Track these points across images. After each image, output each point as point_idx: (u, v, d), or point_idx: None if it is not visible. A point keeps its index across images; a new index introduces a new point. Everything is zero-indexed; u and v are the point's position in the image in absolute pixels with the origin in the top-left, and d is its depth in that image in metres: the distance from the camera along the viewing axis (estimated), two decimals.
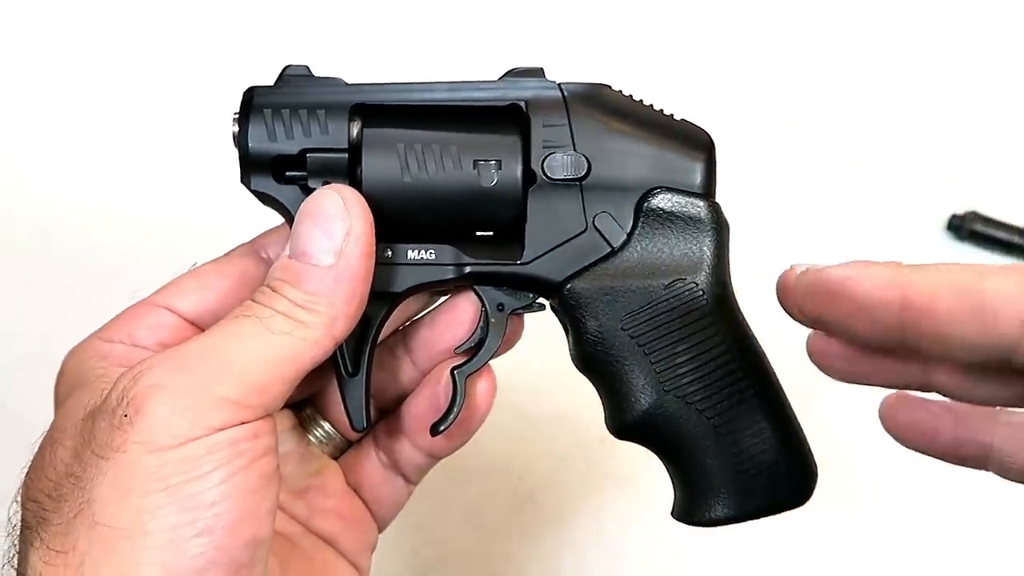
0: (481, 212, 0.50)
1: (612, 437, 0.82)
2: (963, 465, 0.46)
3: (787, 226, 0.85)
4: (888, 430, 0.47)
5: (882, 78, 0.89)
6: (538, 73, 0.51)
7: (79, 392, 0.46)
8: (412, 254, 0.51)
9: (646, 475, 0.81)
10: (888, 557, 0.79)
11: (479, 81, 0.51)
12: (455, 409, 0.52)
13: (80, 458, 0.43)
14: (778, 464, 0.50)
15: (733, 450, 0.49)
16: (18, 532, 0.45)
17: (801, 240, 0.85)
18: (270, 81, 0.52)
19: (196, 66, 0.89)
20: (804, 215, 0.86)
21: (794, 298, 0.45)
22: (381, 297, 0.50)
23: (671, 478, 0.53)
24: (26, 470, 0.46)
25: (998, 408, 0.45)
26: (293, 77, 0.51)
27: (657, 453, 0.52)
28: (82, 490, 0.42)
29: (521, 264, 0.50)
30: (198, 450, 0.42)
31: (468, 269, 0.51)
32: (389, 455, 0.57)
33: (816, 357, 0.47)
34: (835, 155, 0.87)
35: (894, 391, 0.47)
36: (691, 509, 0.51)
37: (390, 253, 0.50)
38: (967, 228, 0.84)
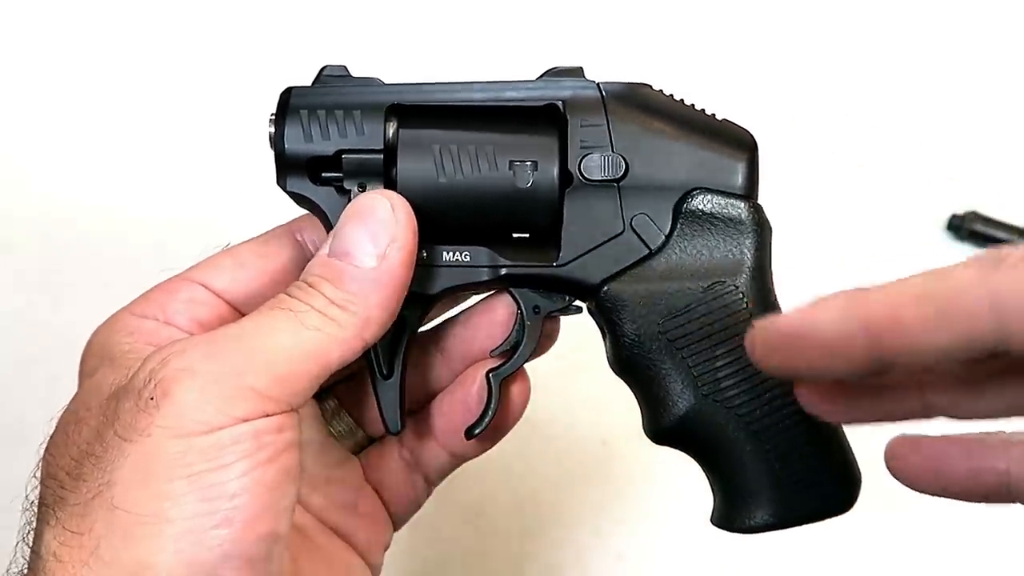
0: (517, 214, 0.49)
1: (614, 438, 0.82)
2: (987, 501, 0.44)
3: (787, 226, 0.84)
4: (898, 477, 0.45)
5: (882, 78, 0.89)
6: (577, 72, 0.50)
7: (105, 368, 0.46)
8: (447, 256, 0.50)
9: (648, 476, 0.81)
10: (903, 563, 0.79)
11: (517, 81, 0.50)
12: (490, 413, 0.52)
13: (102, 438, 0.42)
14: (820, 471, 0.49)
15: (773, 456, 0.48)
16: (35, 509, 0.45)
17: (801, 240, 0.85)
18: (287, 81, 0.51)
19: (201, 66, 0.88)
20: (804, 215, 0.86)
21: (760, 358, 0.42)
22: (416, 298, 0.49)
23: (710, 484, 0.52)
24: (45, 445, 0.45)
25: (1010, 432, 0.44)
26: (331, 77, 0.50)
27: (696, 458, 0.51)
28: (103, 471, 0.41)
29: (557, 266, 0.50)
30: (223, 439, 0.41)
31: (504, 271, 0.50)
32: (413, 454, 0.57)
33: (807, 404, 0.44)
34: (835, 155, 0.87)
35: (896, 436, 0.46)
36: (730, 515, 0.50)
37: (425, 254, 0.50)
38: (967, 228, 0.85)
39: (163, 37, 0.89)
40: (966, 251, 0.85)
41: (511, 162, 0.48)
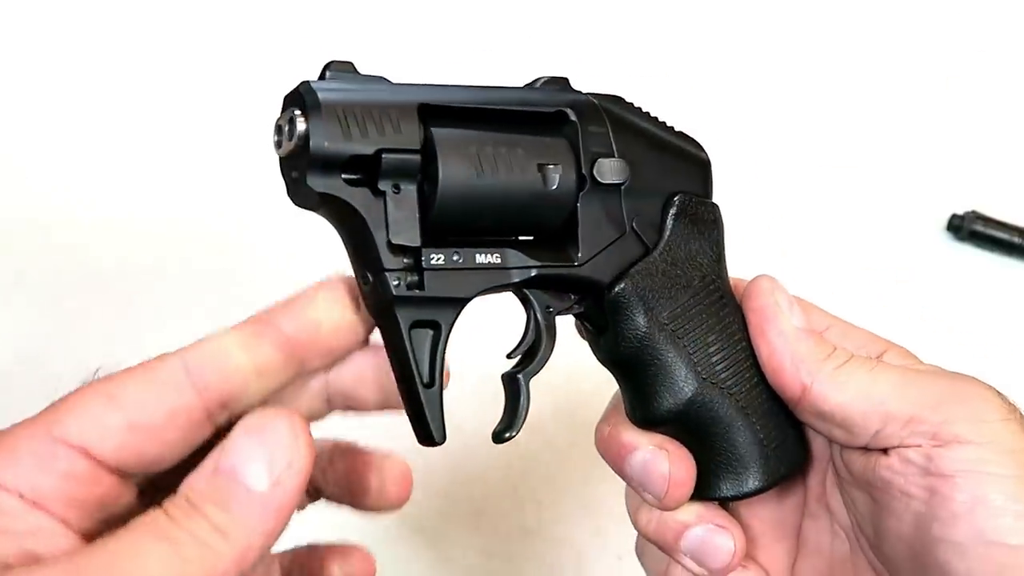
0: (543, 215, 0.50)
1: None
2: None
3: (787, 226, 0.85)
4: None
5: (882, 78, 0.89)
6: (563, 82, 0.52)
7: None
8: (480, 258, 0.50)
9: None
10: None
11: (517, 87, 0.51)
12: (524, 413, 0.52)
13: None
14: (788, 434, 0.53)
15: (757, 426, 0.52)
16: None
17: (801, 240, 0.85)
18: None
19: (198, 67, 0.88)
20: (804, 215, 0.86)
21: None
22: (453, 303, 0.49)
23: (697, 461, 0.53)
24: None
25: None
26: (338, 73, 0.49)
27: (687, 438, 0.53)
28: None
29: (578, 266, 0.51)
30: None
31: (534, 272, 0.50)
32: None
33: None
34: (834, 156, 0.87)
35: None
36: (723, 486, 0.53)
37: (460, 259, 0.49)
38: (967, 228, 0.85)
39: (164, 46, 0.89)
40: (966, 251, 0.85)
41: (539, 164, 0.49)
